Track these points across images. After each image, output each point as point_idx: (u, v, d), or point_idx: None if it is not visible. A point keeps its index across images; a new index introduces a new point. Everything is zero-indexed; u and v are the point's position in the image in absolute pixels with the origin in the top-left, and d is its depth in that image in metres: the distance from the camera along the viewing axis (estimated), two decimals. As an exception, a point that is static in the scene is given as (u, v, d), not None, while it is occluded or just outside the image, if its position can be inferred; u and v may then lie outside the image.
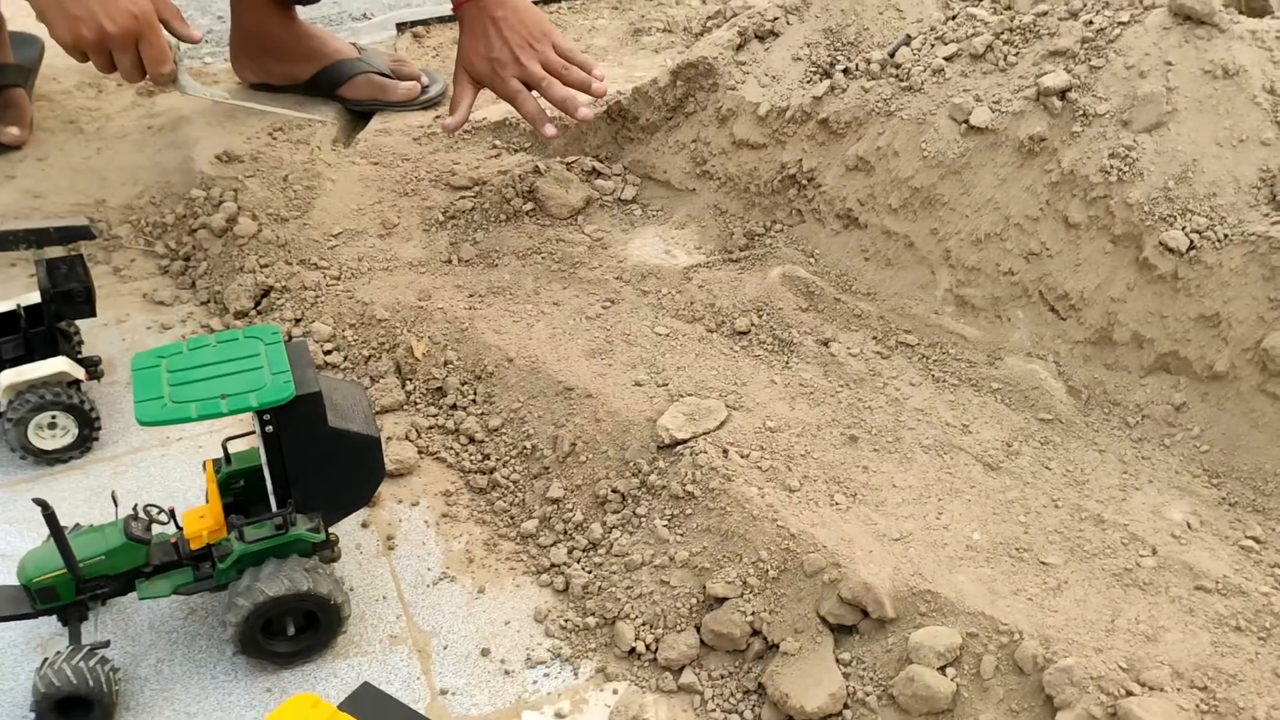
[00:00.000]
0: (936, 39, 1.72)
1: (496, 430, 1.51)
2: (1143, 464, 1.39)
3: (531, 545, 1.39)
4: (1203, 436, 1.40)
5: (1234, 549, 1.27)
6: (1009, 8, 1.73)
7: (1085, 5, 1.62)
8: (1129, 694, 1.07)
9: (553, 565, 1.36)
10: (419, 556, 1.37)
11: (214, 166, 1.92)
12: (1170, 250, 1.43)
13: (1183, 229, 1.43)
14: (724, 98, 1.83)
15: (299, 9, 2.17)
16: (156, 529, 1.20)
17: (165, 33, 1.64)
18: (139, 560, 1.17)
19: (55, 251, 1.76)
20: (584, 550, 1.36)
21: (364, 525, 1.40)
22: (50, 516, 1.08)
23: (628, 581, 1.31)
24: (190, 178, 1.90)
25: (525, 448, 1.47)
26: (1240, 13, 1.63)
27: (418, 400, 1.58)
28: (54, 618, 1.19)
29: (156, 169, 1.95)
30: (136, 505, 1.19)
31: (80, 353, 1.53)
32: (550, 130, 1.79)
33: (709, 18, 2.47)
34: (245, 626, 1.15)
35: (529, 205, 1.86)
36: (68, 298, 1.42)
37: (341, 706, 0.95)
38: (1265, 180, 1.44)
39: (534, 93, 1.81)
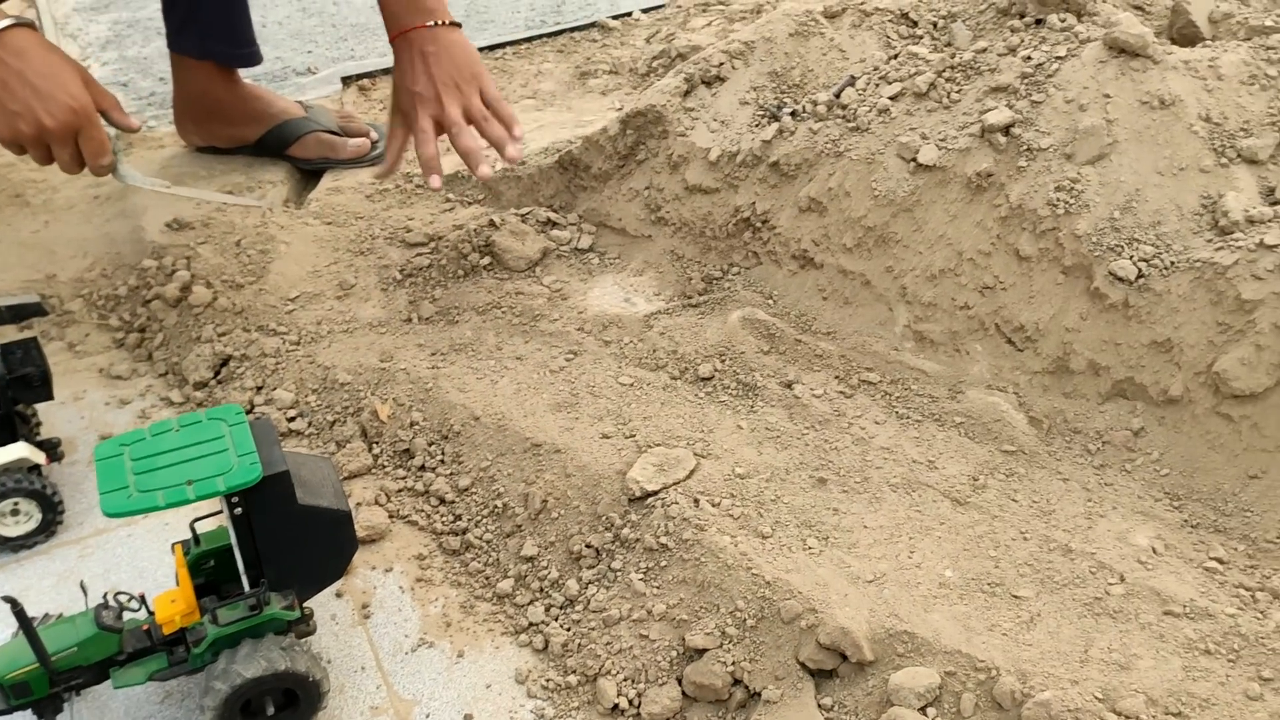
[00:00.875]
0: (880, 78, 1.75)
1: (466, 490, 1.50)
2: (1106, 490, 1.42)
3: (508, 605, 1.38)
4: (1162, 460, 1.43)
5: (1199, 571, 1.30)
6: (949, 45, 1.77)
7: (1023, 41, 1.66)
8: (1107, 725, 1.08)
9: (531, 624, 1.35)
10: (395, 623, 1.36)
11: (165, 235, 1.90)
12: (1120, 279, 1.46)
13: (1130, 258, 1.47)
14: (674, 144, 1.85)
15: (241, 69, 2.16)
16: (128, 616, 1.18)
17: (104, 124, 1.60)
18: (112, 649, 1.15)
19: (8, 331, 1.74)
20: (561, 607, 1.36)
21: (338, 595, 1.39)
22: (19, 613, 1.06)
23: (607, 637, 1.31)
24: (141, 247, 1.89)
25: (496, 506, 1.47)
26: (1171, 41, 1.68)
27: (385, 463, 1.57)
28: (28, 713, 1.16)
29: (106, 240, 1.93)
30: (106, 594, 1.17)
31: (39, 435, 1.51)
32: (435, 182, 1.70)
33: (654, 58, 2.50)
34: (224, 710, 1.14)
35: (486, 260, 1.86)
36: (24, 382, 1.41)
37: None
38: (1206, 207, 1.48)
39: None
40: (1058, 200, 1.51)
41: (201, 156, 2.17)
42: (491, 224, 1.88)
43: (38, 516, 1.41)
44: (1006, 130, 1.58)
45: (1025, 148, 1.56)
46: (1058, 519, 1.37)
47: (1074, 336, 1.49)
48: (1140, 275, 1.46)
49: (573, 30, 2.86)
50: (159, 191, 1.81)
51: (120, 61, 2.64)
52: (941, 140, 1.62)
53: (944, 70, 1.69)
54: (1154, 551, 1.32)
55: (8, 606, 1.07)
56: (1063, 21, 1.65)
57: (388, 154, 1.81)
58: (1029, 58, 1.63)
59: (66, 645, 1.13)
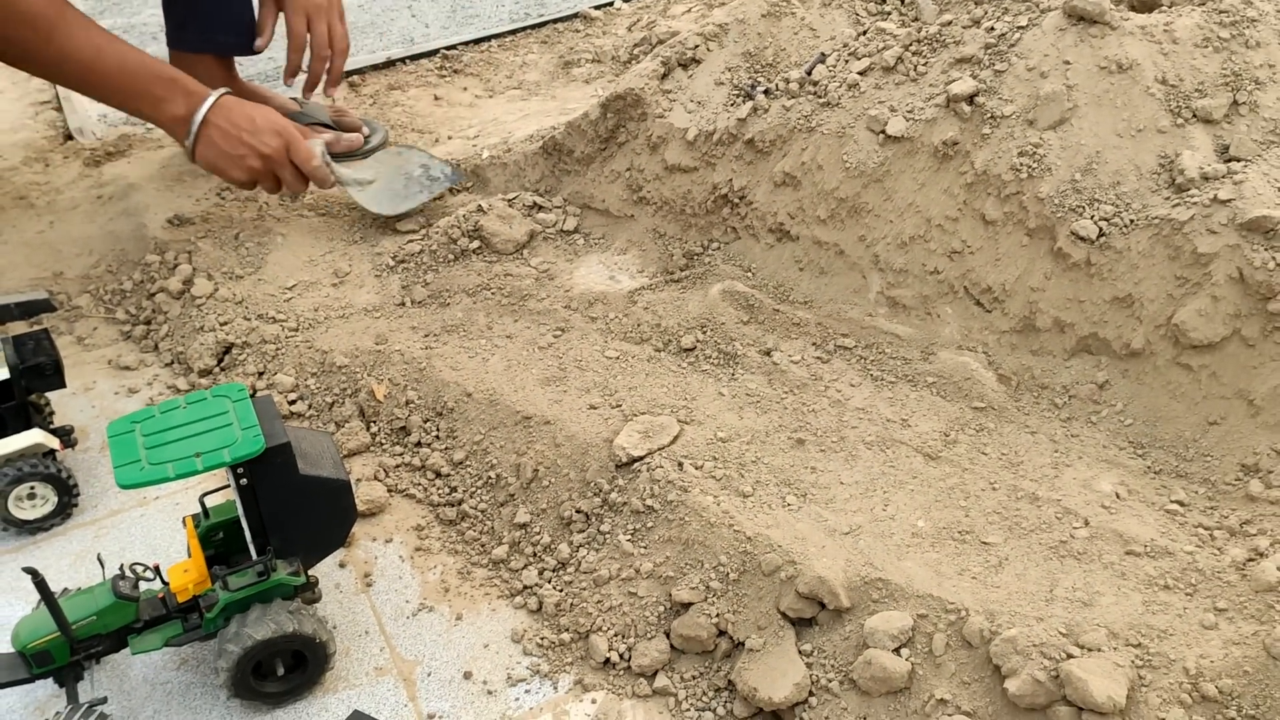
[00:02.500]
0: (850, 55, 1.81)
1: (461, 463, 1.57)
2: (1072, 441, 1.48)
3: (503, 570, 1.45)
4: (1126, 411, 1.49)
5: (1160, 514, 1.36)
6: (916, 19, 1.83)
7: (986, 13, 1.72)
8: (1069, 657, 1.14)
9: (525, 587, 1.42)
10: (397, 590, 1.43)
11: (166, 230, 1.97)
12: (1081, 239, 1.52)
13: (1091, 218, 1.52)
14: (653, 126, 1.91)
15: (239, 68, 2.22)
16: (144, 586, 1.25)
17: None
18: (129, 617, 1.22)
19: (19, 327, 1.81)
20: (554, 570, 1.43)
21: (341, 565, 1.46)
22: (40, 583, 1.13)
23: (597, 596, 1.37)
24: (144, 243, 1.95)
25: (490, 477, 1.53)
26: (1130, 9, 1.73)
27: (383, 440, 1.64)
28: (50, 680, 1.23)
29: (110, 237, 2.00)
30: (122, 565, 1.24)
31: (52, 423, 1.58)
32: (291, 83, 2.10)
33: (635, 45, 2.56)
34: (237, 670, 1.21)
35: (475, 244, 1.92)
36: (37, 371, 1.47)
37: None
38: (1164, 166, 1.53)
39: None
40: (1021, 165, 1.57)
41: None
42: (480, 209, 1.94)
43: (54, 500, 1.48)
44: (971, 99, 1.63)
45: (989, 116, 1.61)
46: (1025, 469, 1.43)
47: (1039, 296, 1.55)
48: (1101, 234, 1.51)
49: (556, 21, 2.92)
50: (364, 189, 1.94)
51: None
52: (909, 112, 1.68)
53: (911, 44, 1.75)
54: (1117, 497, 1.38)
55: (27, 578, 1.14)
56: (1024, -7, 1.70)
57: (262, 29, 2.05)
58: (992, 29, 1.68)
59: (86, 614, 1.20)
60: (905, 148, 1.67)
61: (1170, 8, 1.70)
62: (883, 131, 1.68)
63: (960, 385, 1.55)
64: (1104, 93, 1.58)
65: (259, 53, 2.12)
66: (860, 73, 1.75)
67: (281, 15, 2.04)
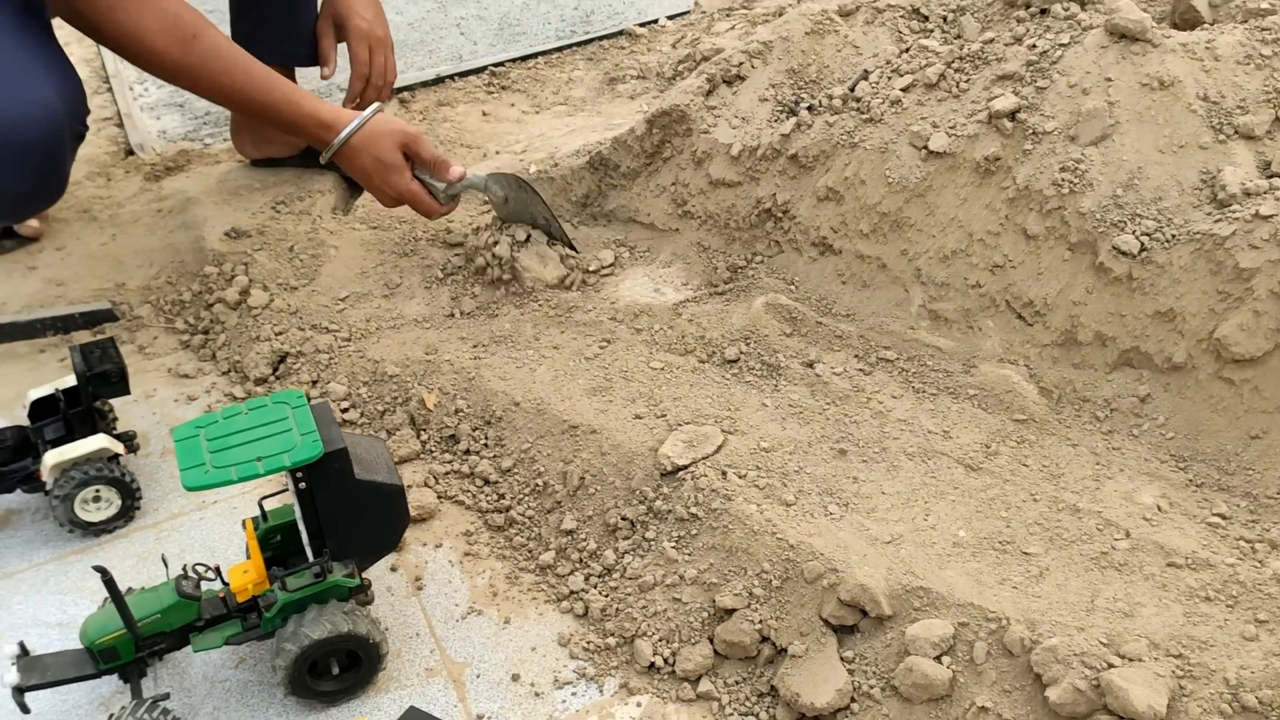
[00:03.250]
0: (893, 71, 1.83)
1: (509, 471, 1.60)
2: (1114, 454, 1.49)
3: (550, 575, 1.48)
4: (1168, 424, 1.50)
5: (1202, 526, 1.36)
6: (958, 37, 1.85)
7: (1028, 30, 1.74)
8: (1110, 666, 1.16)
9: (571, 592, 1.45)
10: (446, 594, 1.46)
11: (223, 243, 2.03)
12: (1123, 253, 1.53)
13: (1133, 233, 1.54)
14: (698, 141, 1.94)
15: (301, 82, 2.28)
16: (205, 586, 1.30)
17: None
18: (191, 616, 1.27)
19: (84, 336, 1.88)
20: (599, 576, 1.46)
21: (393, 569, 1.50)
22: (109, 581, 1.17)
23: (642, 601, 1.40)
24: (202, 255, 2.01)
25: (537, 485, 1.57)
26: (1173, 26, 1.75)
27: (433, 448, 1.68)
28: (115, 676, 1.28)
29: (170, 250, 2.06)
30: (185, 565, 1.29)
31: (115, 429, 1.64)
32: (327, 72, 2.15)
33: (680, 61, 2.60)
34: (294, 669, 1.25)
35: (507, 275, 1.94)
36: (103, 379, 1.53)
37: (391, 731, 1.04)
38: (1205, 182, 1.54)
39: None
40: (1063, 180, 1.59)
41: (255, 170, 2.30)
42: (520, 240, 1.95)
43: (118, 503, 1.53)
44: (1013, 116, 1.65)
45: (1031, 131, 1.63)
46: (1066, 481, 1.44)
47: (1081, 310, 1.56)
48: (1143, 249, 1.52)
49: (601, 39, 2.96)
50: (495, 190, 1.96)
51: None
52: (951, 128, 1.70)
53: (953, 61, 1.77)
54: (1159, 509, 1.39)
55: (93, 579, 1.18)
56: (1066, 10, 1.72)
57: (327, 59, 2.12)
58: (1034, 46, 1.70)
59: (151, 612, 1.25)
60: (947, 163, 1.69)
61: (1212, 25, 1.71)
62: (925, 147, 1.71)
63: (1001, 398, 1.57)
64: (1146, 109, 1.59)
65: (325, 79, 2.18)
66: (903, 89, 1.78)
67: (342, 44, 2.12)
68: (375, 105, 1.84)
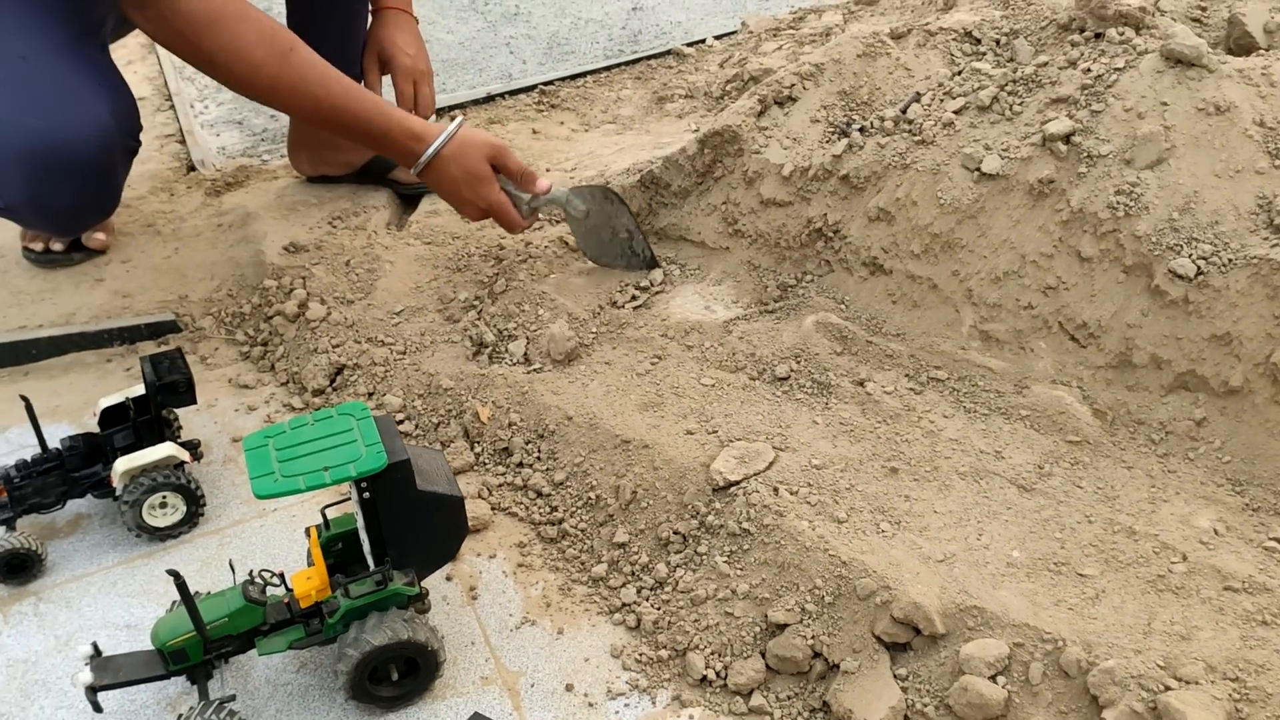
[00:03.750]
0: (945, 94, 1.85)
1: (562, 484, 1.63)
2: (1169, 477, 1.48)
3: (603, 587, 1.50)
4: (1224, 448, 1.50)
5: (1258, 550, 1.36)
6: (1011, 60, 1.86)
7: (1083, 54, 1.74)
8: (1167, 689, 1.16)
9: (624, 605, 1.47)
10: (500, 604, 1.49)
11: (282, 257, 2.08)
12: (1179, 277, 1.54)
13: (1189, 256, 1.54)
14: (749, 161, 1.96)
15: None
16: (270, 591, 1.33)
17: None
18: (257, 620, 1.30)
19: (149, 346, 1.92)
20: (652, 589, 1.48)
21: (448, 578, 1.52)
22: (182, 585, 1.21)
23: (694, 615, 1.42)
24: (262, 269, 2.06)
25: (590, 498, 1.59)
26: (1227, 52, 1.75)
27: (486, 461, 1.70)
28: (182, 678, 1.31)
29: (231, 263, 2.11)
30: (251, 571, 1.32)
31: (180, 437, 1.68)
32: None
33: (728, 81, 2.62)
34: (355, 674, 1.27)
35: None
36: (171, 388, 1.57)
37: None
38: (1262, 206, 1.54)
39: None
40: (1118, 203, 1.59)
41: (312, 186, 2.35)
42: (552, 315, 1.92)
43: (183, 509, 1.57)
44: (1067, 139, 1.66)
45: (1086, 155, 1.64)
46: (1122, 504, 1.44)
47: (1136, 332, 1.57)
48: (1199, 272, 1.53)
49: (650, 58, 3.00)
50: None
51: (235, 101, 2.84)
52: (1004, 150, 1.71)
53: (1006, 84, 1.78)
54: (1215, 533, 1.39)
55: (161, 582, 1.22)
56: (1121, 35, 1.72)
57: (371, 87, 2.11)
58: (1089, 70, 1.71)
59: (218, 616, 1.28)
60: (1000, 185, 1.70)
61: (1268, 51, 1.71)
62: (977, 169, 1.72)
63: (1054, 419, 1.57)
64: (1202, 134, 1.59)
65: None
66: (955, 111, 1.79)
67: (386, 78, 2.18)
68: (460, 118, 1.87)
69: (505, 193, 1.89)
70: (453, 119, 1.88)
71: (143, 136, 1.99)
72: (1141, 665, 1.19)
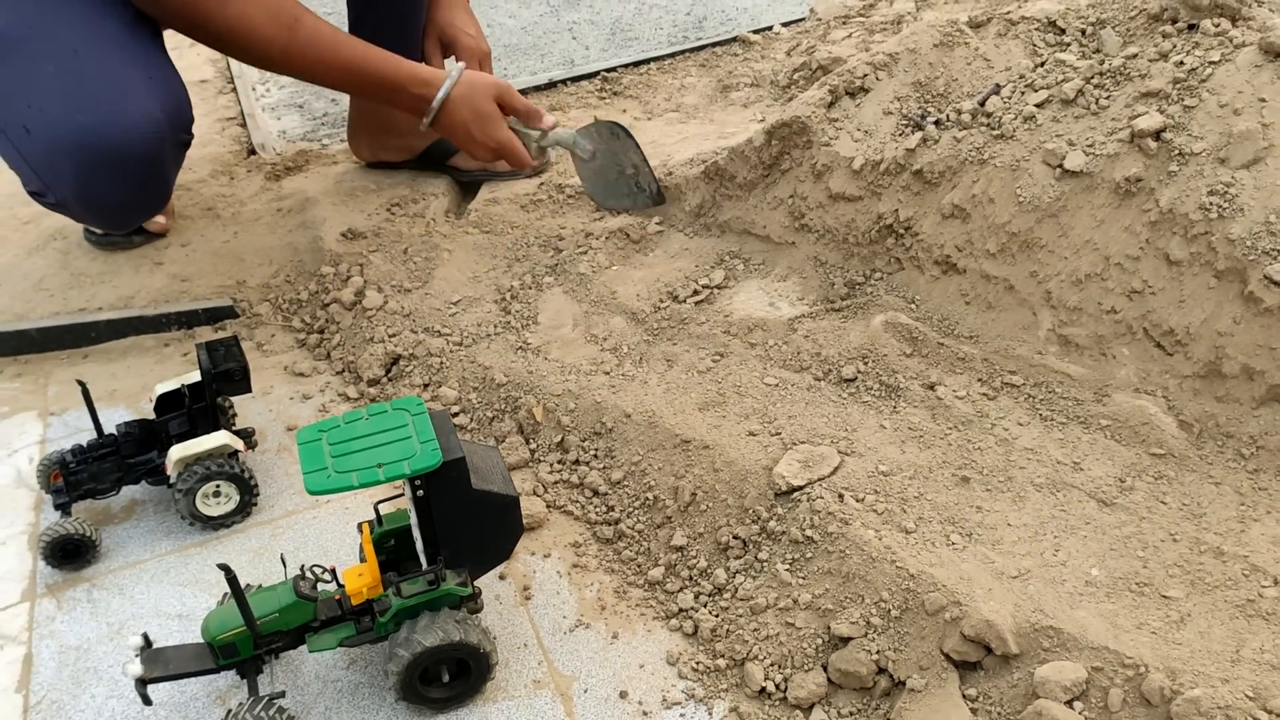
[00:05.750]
0: (1026, 86, 1.77)
1: (619, 483, 1.58)
2: (1260, 495, 1.41)
3: (659, 591, 1.46)
4: (1319, 465, 1.41)
5: (1357, 577, 1.28)
6: (1098, 51, 1.78)
7: (1175, 46, 1.66)
8: (1258, 723, 1.09)
9: (681, 610, 1.43)
10: (554, 605, 1.45)
11: (340, 244, 2.06)
12: (1275, 283, 1.45)
13: (1286, 261, 1.45)
14: (818, 154, 1.90)
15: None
16: (321, 587, 1.31)
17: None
18: (308, 616, 1.28)
19: (206, 331, 1.92)
20: (710, 595, 1.43)
21: (502, 577, 1.49)
22: (233, 580, 1.19)
23: (754, 624, 1.37)
24: (320, 255, 2.04)
25: (647, 499, 1.54)
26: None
27: (542, 457, 1.67)
28: (231, 673, 1.29)
29: (289, 249, 2.10)
30: (302, 566, 1.29)
31: (235, 425, 1.66)
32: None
33: (795, 70, 2.56)
34: (406, 675, 1.25)
35: None
36: (227, 377, 1.55)
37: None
38: (1367, 209, 1.45)
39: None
40: (1210, 204, 1.51)
41: (371, 171, 2.33)
42: None
43: (236, 498, 1.56)
44: (1157, 135, 1.58)
45: (1177, 152, 1.56)
46: (1209, 522, 1.37)
47: (1227, 340, 1.49)
48: (1297, 279, 1.44)
49: (714, 45, 2.94)
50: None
51: (295, 85, 2.84)
52: (1089, 146, 1.63)
53: (1092, 77, 1.70)
54: (1310, 556, 1.31)
55: (215, 573, 1.20)
56: (1216, 26, 1.64)
57: (433, 66, 2.10)
58: (1181, 63, 1.63)
59: (269, 611, 1.26)
60: (1084, 183, 1.62)
61: (1377, 42, 1.61)
62: (1060, 166, 1.64)
63: (1137, 430, 1.49)
64: (1303, 131, 1.51)
65: None
66: (1037, 105, 1.71)
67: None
68: (462, 64, 1.90)
69: (514, 131, 1.92)
70: (459, 64, 1.91)
71: (205, 119, 1.99)
72: (1229, 695, 1.12)
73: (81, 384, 1.52)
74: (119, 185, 1.71)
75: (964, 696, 1.23)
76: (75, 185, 1.69)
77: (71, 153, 1.65)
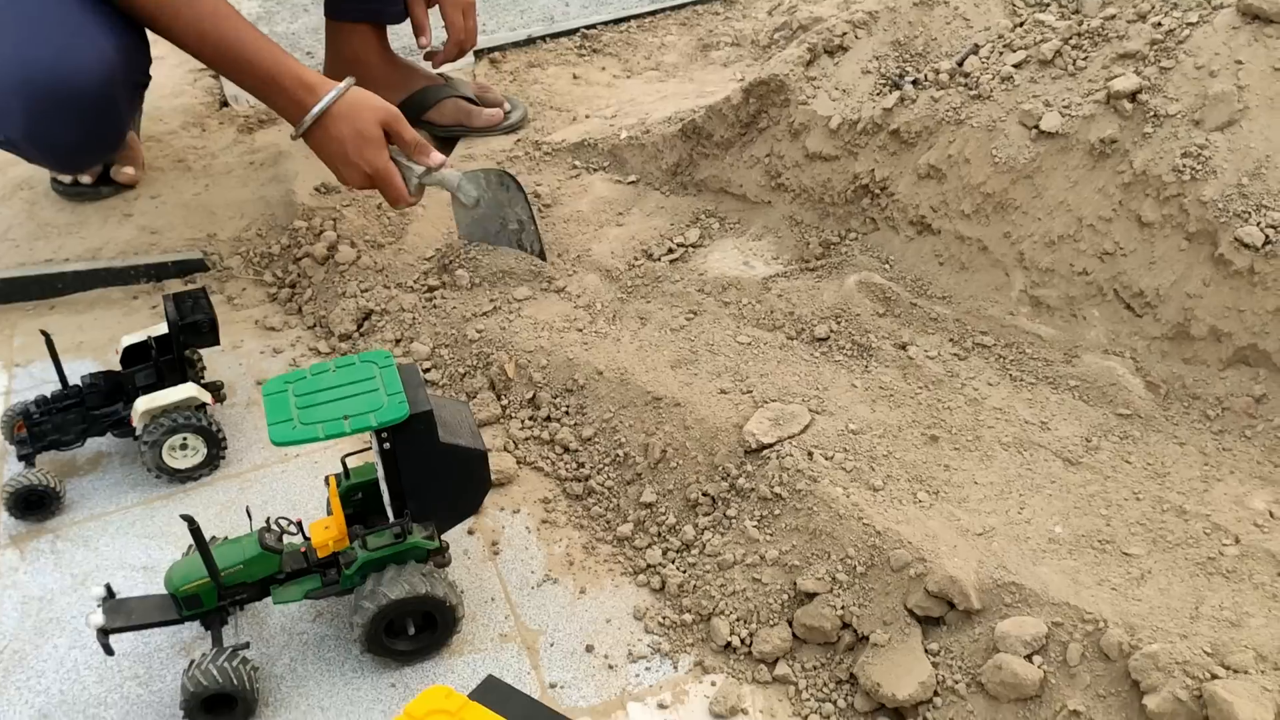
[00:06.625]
0: (1005, 46, 1.76)
1: (590, 440, 1.58)
2: (1224, 455, 1.42)
3: (628, 547, 1.46)
4: (1283, 427, 1.42)
5: (1317, 537, 1.29)
6: (1076, 12, 1.77)
7: (1153, 7, 1.65)
8: (1214, 677, 1.10)
9: (649, 566, 1.43)
10: (523, 560, 1.45)
11: (314, 198, 2.04)
12: (1246, 245, 1.45)
13: (1258, 224, 1.45)
14: (796, 113, 1.89)
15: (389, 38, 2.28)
16: (287, 539, 1.30)
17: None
18: (273, 568, 1.27)
19: (176, 284, 1.90)
20: (678, 551, 1.43)
21: (470, 532, 1.49)
22: (196, 531, 1.18)
23: (721, 580, 1.37)
24: (292, 209, 2.02)
25: (618, 455, 1.54)
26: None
27: (513, 413, 1.66)
28: (196, 623, 1.29)
29: (261, 202, 2.07)
30: (268, 518, 1.29)
31: (203, 378, 1.65)
32: (424, 42, 2.11)
33: (776, 29, 2.53)
34: (371, 627, 1.25)
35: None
36: (194, 329, 1.54)
37: (470, 697, 1.03)
38: (1339, 173, 1.45)
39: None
40: (1184, 166, 1.51)
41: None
42: None
43: (204, 451, 1.55)
44: (1133, 96, 1.57)
45: (1152, 114, 1.55)
46: (1172, 481, 1.38)
47: (1196, 303, 1.49)
48: (1268, 241, 1.44)
49: (696, 3, 2.90)
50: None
51: (271, 37, 2.79)
52: (1065, 107, 1.63)
53: (1070, 37, 1.69)
54: (1271, 515, 1.32)
55: (179, 525, 1.19)
56: (1195, -14, 1.63)
57: (423, 29, 2.09)
58: (1159, 24, 1.62)
59: (234, 562, 1.26)
60: (1059, 144, 1.61)
61: (1355, 6, 1.61)
62: (1036, 126, 1.63)
63: (1105, 390, 1.50)
64: (1277, 95, 1.50)
65: (424, 48, 2.15)
66: (1015, 65, 1.70)
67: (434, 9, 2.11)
68: (351, 79, 1.73)
69: (395, 162, 1.74)
70: (348, 79, 1.73)
71: (176, 69, 1.95)
72: (1187, 651, 1.13)
73: (45, 334, 1.51)
74: (69, 125, 1.66)
75: (926, 651, 1.25)
76: (24, 123, 1.65)
77: (19, 89, 1.61)
